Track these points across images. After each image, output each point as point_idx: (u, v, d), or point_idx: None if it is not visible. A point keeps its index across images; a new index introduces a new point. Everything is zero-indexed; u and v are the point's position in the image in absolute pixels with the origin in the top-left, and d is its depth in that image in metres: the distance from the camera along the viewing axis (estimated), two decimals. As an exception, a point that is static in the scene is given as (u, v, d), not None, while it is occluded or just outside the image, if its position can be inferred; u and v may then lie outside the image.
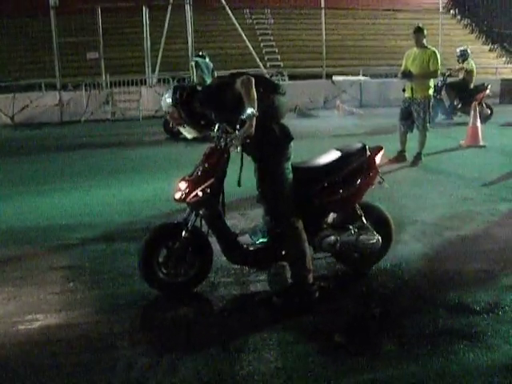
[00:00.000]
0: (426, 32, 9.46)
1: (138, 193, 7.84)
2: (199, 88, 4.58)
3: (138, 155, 11.02)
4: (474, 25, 27.58)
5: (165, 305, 4.38)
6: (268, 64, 21.80)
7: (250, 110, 3.94)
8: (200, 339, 3.85)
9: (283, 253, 4.47)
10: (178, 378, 3.37)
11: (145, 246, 4.39)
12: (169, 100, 4.35)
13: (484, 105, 13.76)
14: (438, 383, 3.25)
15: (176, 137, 12.16)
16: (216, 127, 4.37)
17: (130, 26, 22.51)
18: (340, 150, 4.65)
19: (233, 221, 6.14)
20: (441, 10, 22.60)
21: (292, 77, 20.03)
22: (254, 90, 4.02)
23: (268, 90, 4.24)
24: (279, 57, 23.27)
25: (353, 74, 19.97)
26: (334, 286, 4.67)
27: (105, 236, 6.03)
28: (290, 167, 4.36)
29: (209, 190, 4.24)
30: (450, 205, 6.82)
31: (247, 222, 6.10)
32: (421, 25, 9.71)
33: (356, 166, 4.58)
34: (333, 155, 4.61)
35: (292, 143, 4.35)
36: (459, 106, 14.08)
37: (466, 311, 4.10)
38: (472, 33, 27.39)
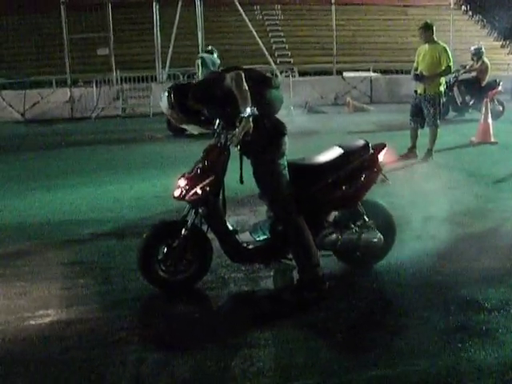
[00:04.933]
0: (434, 28, 9.38)
1: (148, 188, 7.86)
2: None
3: (148, 151, 11.04)
4: (485, 21, 27.40)
5: (175, 300, 4.38)
6: (278, 60, 21.74)
7: (249, 109, 3.92)
8: (210, 335, 3.85)
9: (284, 249, 4.47)
10: (188, 374, 3.38)
11: (144, 244, 4.38)
12: (165, 104, 4.31)
13: (496, 101, 13.67)
14: (448, 380, 3.24)
15: (180, 134, 12.30)
16: (216, 124, 4.35)
17: (140, 21, 22.51)
18: (342, 147, 4.61)
19: (243, 217, 6.17)
20: (452, 5, 22.40)
21: (302, 73, 19.99)
22: (245, 84, 3.98)
23: (258, 83, 4.17)
24: (289, 53, 23.20)
25: (363, 70, 19.90)
26: (343, 283, 4.66)
27: (115, 231, 6.05)
28: (284, 163, 4.30)
29: (208, 188, 4.22)
30: (460, 201, 6.78)
31: (257, 218, 6.09)
32: (429, 21, 9.65)
33: (358, 164, 4.54)
34: (335, 152, 4.57)
35: (286, 138, 4.30)
36: (471, 102, 14.00)
37: (477, 308, 4.09)
38: (483, 29, 27.23)
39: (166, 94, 4.30)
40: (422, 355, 3.49)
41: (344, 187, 4.48)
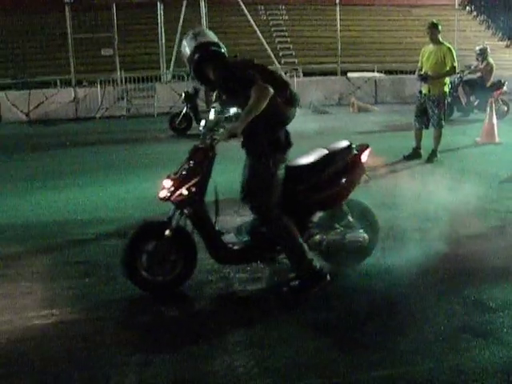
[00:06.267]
0: (440, 28, 9.39)
1: (152, 188, 7.77)
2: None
3: (152, 151, 11.05)
4: (490, 21, 27.34)
5: (180, 300, 4.39)
6: (282, 60, 21.73)
7: (233, 111, 3.96)
8: (214, 335, 3.85)
9: (268, 250, 4.51)
10: (191, 374, 3.38)
11: (128, 244, 4.36)
12: (186, 51, 4.34)
13: (501, 101, 13.66)
14: (452, 380, 3.24)
15: (181, 134, 12.36)
16: (202, 123, 4.38)
17: (144, 22, 22.53)
18: (326, 149, 4.66)
19: (241, 218, 6.15)
20: (457, 6, 22.37)
21: (306, 73, 19.97)
22: (265, 103, 4.01)
23: (287, 102, 4.26)
24: (294, 53, 23.17)
25: (367, 71, 19.89)
26: (344, 283, 4.65)
27: (120, 231, 6.04)
28: (283, 169, 4.37)
29: (194, 189, 4.25)
30: (465, 202, 6.75)
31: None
32: (435, 21, 9.65)
33: (341, 165, 4.58)
34: (319, 154, 4.62)
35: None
36: (475, 102, 13.98)
37: (482, 308, 4.08)
38: (488, 29, 27.17)
39: (194, 47, 4.30)
40: (426, 355, 3.48)
41: (328, 188, 4.50)
